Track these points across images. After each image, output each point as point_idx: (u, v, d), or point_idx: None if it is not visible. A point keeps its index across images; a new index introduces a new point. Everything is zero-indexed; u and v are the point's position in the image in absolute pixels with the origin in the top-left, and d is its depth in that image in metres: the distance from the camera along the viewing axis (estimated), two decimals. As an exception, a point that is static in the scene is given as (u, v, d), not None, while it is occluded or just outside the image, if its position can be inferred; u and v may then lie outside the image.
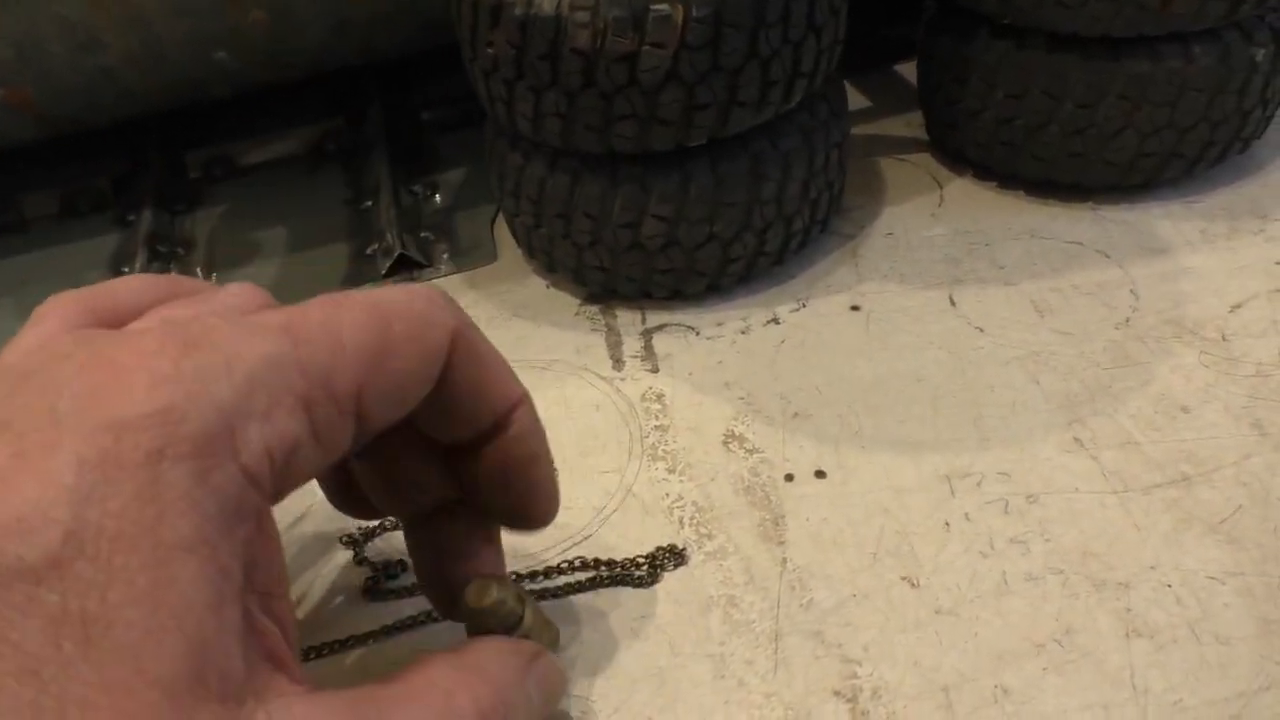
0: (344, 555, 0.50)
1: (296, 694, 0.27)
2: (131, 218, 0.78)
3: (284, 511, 0.52)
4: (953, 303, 0.60)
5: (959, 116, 0.68)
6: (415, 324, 0.31)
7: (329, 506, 0.43)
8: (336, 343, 0.28)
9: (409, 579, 0.48)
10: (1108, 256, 0.62)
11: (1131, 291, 0.60)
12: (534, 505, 0.38)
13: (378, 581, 0.48)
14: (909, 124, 0.78)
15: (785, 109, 0.56)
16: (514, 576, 0.47)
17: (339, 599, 0.48)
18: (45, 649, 0.23)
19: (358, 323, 0.29)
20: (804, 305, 0.62)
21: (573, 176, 0.58)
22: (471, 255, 0.70)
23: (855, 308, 0.61)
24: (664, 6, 0.51)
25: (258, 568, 0.28)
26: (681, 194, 0.57)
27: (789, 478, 0.51)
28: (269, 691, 0.27)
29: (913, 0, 0.75)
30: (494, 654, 0.35)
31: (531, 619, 0.39)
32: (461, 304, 0.63)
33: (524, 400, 0.36)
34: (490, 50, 0.55)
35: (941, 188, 0.70)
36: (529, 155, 0.60)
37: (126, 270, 0.72)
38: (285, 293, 0.68)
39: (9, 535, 0.23)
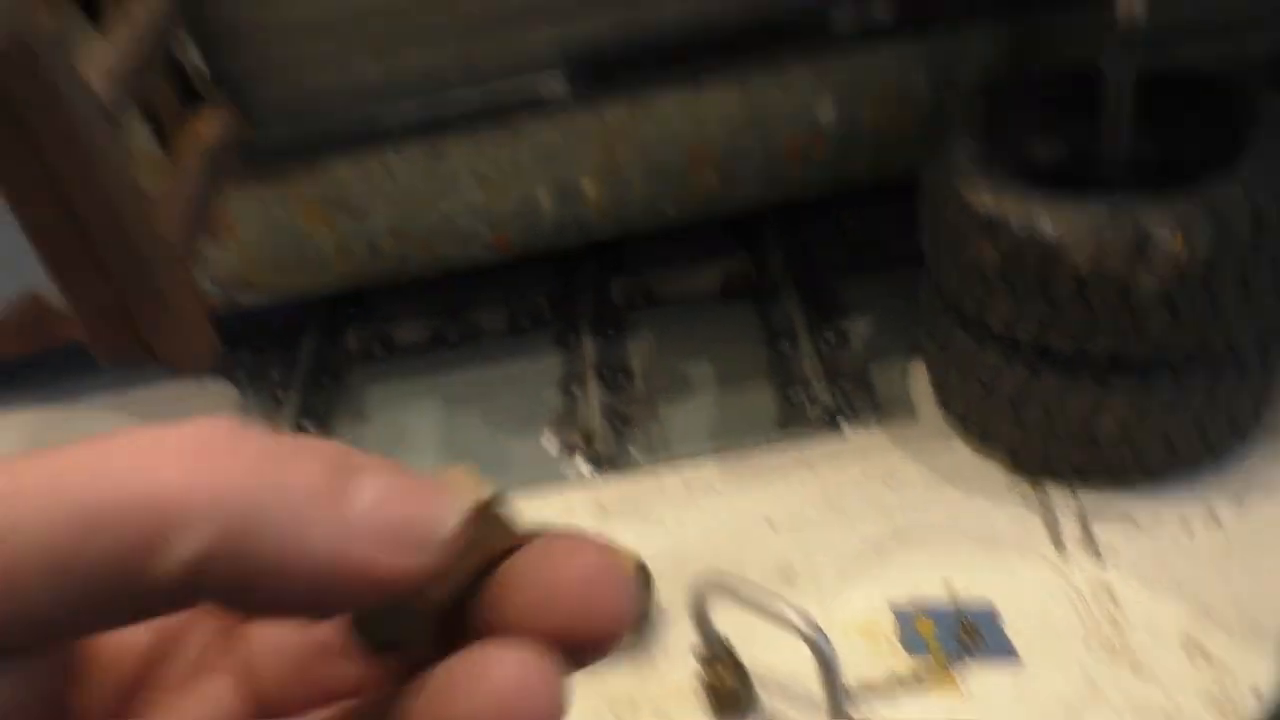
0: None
1: None
2: (570, 337, 0.88)
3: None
4: None
5: None
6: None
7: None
8: None
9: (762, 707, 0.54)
10: None
11: None
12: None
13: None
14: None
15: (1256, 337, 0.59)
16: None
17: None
18: None
19: None
20: (1241, 503, 0.63)
21: (1031, 370, 0.63)
22: (890, 410, 0.75)
23: (1300, 515, 0.62)
24: (1164, 233, 0.55)
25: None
26: (1144, 398, 0.60)
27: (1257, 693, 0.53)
28: None
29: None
30: None
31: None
32: (888, 465, 0.70)
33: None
34: (978, 256, 0.60)
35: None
36: (983, 342, 0.65)
37: (577, 390, 0.82)
38: (723, 433, 0.77)
39: None
